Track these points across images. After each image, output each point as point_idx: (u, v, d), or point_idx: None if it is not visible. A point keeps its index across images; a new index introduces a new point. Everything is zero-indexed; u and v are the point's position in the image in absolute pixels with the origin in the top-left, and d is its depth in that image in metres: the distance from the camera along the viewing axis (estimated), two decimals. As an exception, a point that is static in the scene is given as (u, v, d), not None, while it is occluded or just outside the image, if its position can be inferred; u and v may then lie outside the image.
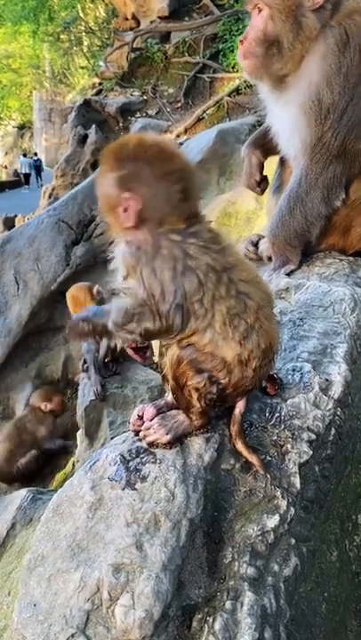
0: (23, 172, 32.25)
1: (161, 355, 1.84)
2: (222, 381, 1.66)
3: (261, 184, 3.19)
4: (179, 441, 1.73)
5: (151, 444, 1.73)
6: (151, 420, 1.75)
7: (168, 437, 1.71)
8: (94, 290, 4.87)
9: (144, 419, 1.78)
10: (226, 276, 1.62)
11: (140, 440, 1.76)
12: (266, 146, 3.07)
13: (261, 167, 3.16)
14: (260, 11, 2.53)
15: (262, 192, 3.25)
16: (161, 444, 1.72)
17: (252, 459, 1.75)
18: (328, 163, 2.67)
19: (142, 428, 1.75)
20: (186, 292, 1.57)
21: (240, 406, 1.76)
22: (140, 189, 1.58)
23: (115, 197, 1.61)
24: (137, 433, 1.78)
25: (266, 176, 3.20)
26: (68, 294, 5.03)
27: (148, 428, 1.73)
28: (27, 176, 31.83)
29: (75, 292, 4.99)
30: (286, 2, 2.47)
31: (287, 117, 2.72)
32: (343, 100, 2.53)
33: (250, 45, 2.58)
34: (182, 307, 1.58)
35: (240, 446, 1.76)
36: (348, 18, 2.51)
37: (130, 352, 1.83)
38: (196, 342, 1.63)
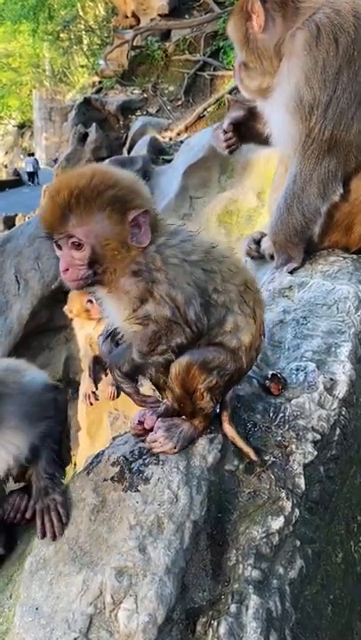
0: (28, 170, 32.40)
1: (157, 386, 1.81)
2: (229, 372, 1.66)
3: (230, 140, 3.03)
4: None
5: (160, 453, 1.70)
6: (154, 430, 1.72)
7: (176, 450, 1.68)
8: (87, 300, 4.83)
9: (145, 426, 1.76)
10: (215, 253, 1.64)
11: (142, 441, 1.73)
12: (253, 111, 3.00)
13: (237, 121, 3.02)
14: None
15: (228, 149, 3.06)
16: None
17: (241, 444, 1.75)
18: (321, 157, 2.66)
19: (147, 440, 1.71)
20: (202, 288, 1.58)
21: (230, 391, 1.78)
22: (135, 204, 1.53)
23: (118, 230, 1.53)
24: (137, 436, 1.77)
25: (236, 137, 3.03)
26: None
27: (154, 441, 1.70)
28: (31, 174, 32.05)
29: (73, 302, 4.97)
30: (238, 33, 2.72)
31: (276, 118, 2.74)
32: (325, 93, 2.52)
33: (235, 70, 2.88)
34: (205, 303, 1.59)
35: (228, 428, 1.76)
36: (317, 13, 2.52)
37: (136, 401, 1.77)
38: (220, 334, 1.63)
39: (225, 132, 3.02)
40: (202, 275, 1.58)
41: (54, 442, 1.87)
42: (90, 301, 4.80)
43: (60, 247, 1.55)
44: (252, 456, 1.75)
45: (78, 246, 1.52)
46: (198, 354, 1.61)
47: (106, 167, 1.62)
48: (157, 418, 1.75)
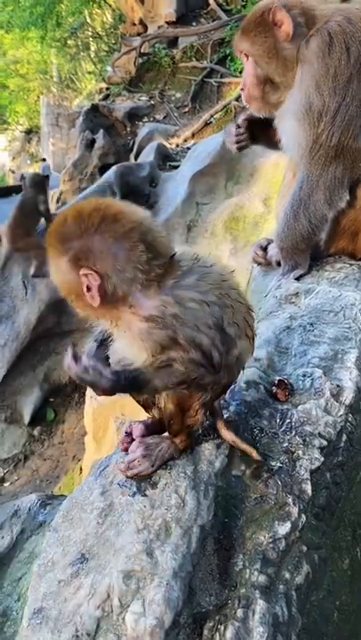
0: (45, 175, 32.75)
1: (144, 405, 1.82)
2: (221, 385, 1.66)
3: (241, 136, 2.98)
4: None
5: (135, 476, 1.66)
6: (132, 449, 1.70)
7: (153, 469, 1.67)
8: None
9: (134, 436, 1.75)
10: (226, 287, 1.59)
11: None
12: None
13: (252, 118, 2.96)
14: (247, 57, 2.70)
15: (237, 145, 3.00)
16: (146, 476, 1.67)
17: (242, 445, 1.76)
18: (327, 164, 2.67)
19: (125, 460, 1.68)
20: (219, 325, 1.53)
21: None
22: (94, 262, 1.43)
23: (73, 281, 1.48)
24: (127, 450, 1.74)
25: (247, 134, 2.98)
26: None
27: (132, 461, 1.67)
28: (46, 178, 32.42)
29: None
30: (264, 46, 2.62)
31: (285, 124, 2.75)
32: (335, 100, 2.53)
33: (248, 91, 2.76)
34: (224, 337, 1.54)
35: (226, 434, 1.76)
36: (329, 21, 2.54)
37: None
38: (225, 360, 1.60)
39: (238, 127, 2.99)
40: (218, 311, 1.53)
41: None
42: None
43: None
44: (255, 455, 1.75)
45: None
46: None
47: (98, 208, 1.47)
48: (144, 427, 1.74)
